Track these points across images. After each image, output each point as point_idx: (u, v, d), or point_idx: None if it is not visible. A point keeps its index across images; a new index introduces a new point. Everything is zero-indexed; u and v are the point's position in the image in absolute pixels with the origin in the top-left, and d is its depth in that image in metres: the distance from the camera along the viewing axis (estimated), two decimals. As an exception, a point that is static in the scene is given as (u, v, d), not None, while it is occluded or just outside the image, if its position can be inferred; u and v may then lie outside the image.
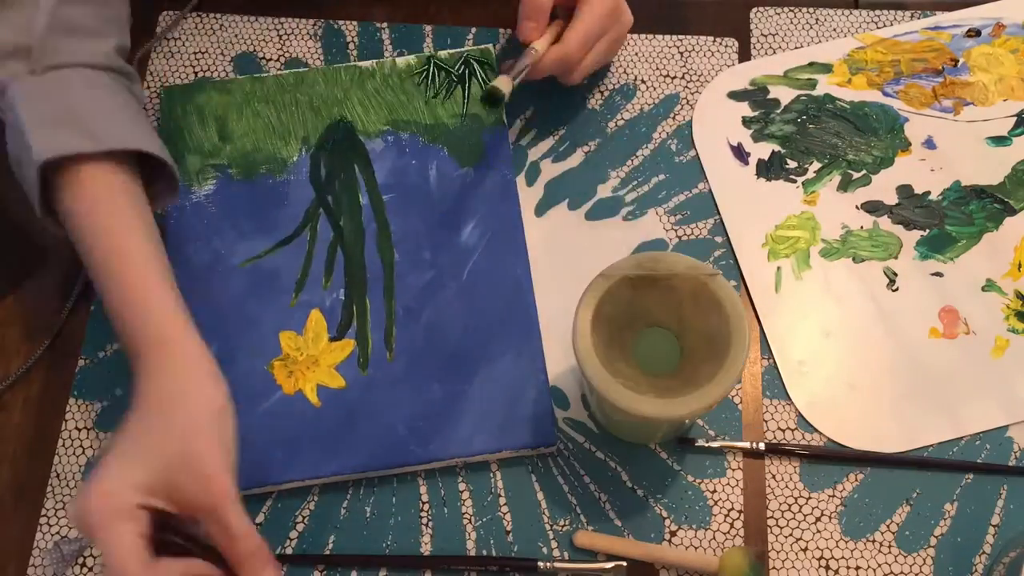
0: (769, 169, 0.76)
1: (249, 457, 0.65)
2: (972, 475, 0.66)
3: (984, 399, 0.68)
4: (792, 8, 0.82)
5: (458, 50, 0.78)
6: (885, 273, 0.72)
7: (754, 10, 0.82)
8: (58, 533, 0.66)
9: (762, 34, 0.81)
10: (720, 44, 0.80)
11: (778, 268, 0.72)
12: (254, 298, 0.70)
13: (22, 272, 0.72)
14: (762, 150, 0.76)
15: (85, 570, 0.65)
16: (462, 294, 0.70)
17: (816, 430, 0.67)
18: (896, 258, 0.72)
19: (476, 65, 0.77)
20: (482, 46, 0.79)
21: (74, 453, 0.67)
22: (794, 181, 0.75)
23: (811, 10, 0.81)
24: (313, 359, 0.69)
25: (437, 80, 0.77)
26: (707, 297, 0.59)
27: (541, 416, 0.67)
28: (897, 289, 0.71)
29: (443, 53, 0.78)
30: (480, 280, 0.71)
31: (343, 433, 0.66)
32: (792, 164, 0.76)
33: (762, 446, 0.66)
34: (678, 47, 0.80)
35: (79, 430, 0.68)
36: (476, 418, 0.67)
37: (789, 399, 0.68)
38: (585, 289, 0.59)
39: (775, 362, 0.69)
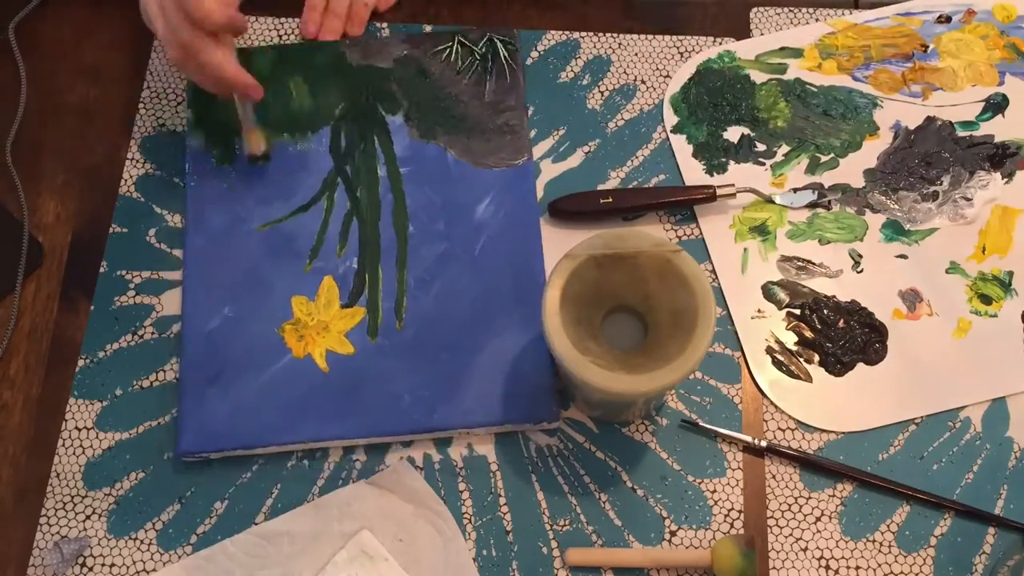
0: (738, 151, 0.76)
1: (255, 417, 0.66)
2: (971, 475, 0.66)
3: (947, 380, 0.68)
4: (792, 8, 0.82)
5: (482, 28, 0.79)
6: (850, 255, 0.72)
7: (754, 10, 0.82)
8: (58, 533, 0.66)
9: (762, 34, 0.81)
10: (720, 44, 0.80)
11: (744, 249, 0.73)
12: (269, 262, 0.71)
13: (22, 272, 0.72)
14: (732, 133, 0.77)
15: (85, 570, 0.65)
16: (473, 268, 0.71)
17: (817, 429, 0.68)
18: (861, 240, 0.73)
19: (499, 44, 0.78)
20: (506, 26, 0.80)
21: (74, 453, 0.67)
22: (763, 164, 0.76)
23: (811, 10, 0.81)
24: (324, 325, 0.69)
25: (460, 58, 0.78)
26: (673, 274, 0.60)
27: (544, 392, 0.67)
28: (862, 271, 0.72)
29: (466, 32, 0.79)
30: (492, 255, 0.71)
31: (349, 399, 0.67)
32: (761, 147, 0.76)
33: (764, 443, 0.66)
34: (678, 47, 0.80)
35: (79, 430, 0.68)
36: (480, 390, 0.67)
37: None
38: (552, 269, 0.60)
39: (740, 343, 0.70)
